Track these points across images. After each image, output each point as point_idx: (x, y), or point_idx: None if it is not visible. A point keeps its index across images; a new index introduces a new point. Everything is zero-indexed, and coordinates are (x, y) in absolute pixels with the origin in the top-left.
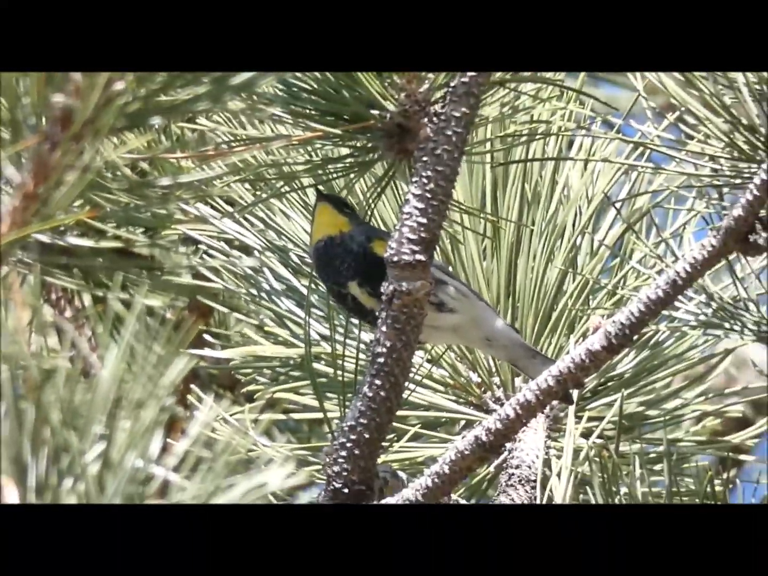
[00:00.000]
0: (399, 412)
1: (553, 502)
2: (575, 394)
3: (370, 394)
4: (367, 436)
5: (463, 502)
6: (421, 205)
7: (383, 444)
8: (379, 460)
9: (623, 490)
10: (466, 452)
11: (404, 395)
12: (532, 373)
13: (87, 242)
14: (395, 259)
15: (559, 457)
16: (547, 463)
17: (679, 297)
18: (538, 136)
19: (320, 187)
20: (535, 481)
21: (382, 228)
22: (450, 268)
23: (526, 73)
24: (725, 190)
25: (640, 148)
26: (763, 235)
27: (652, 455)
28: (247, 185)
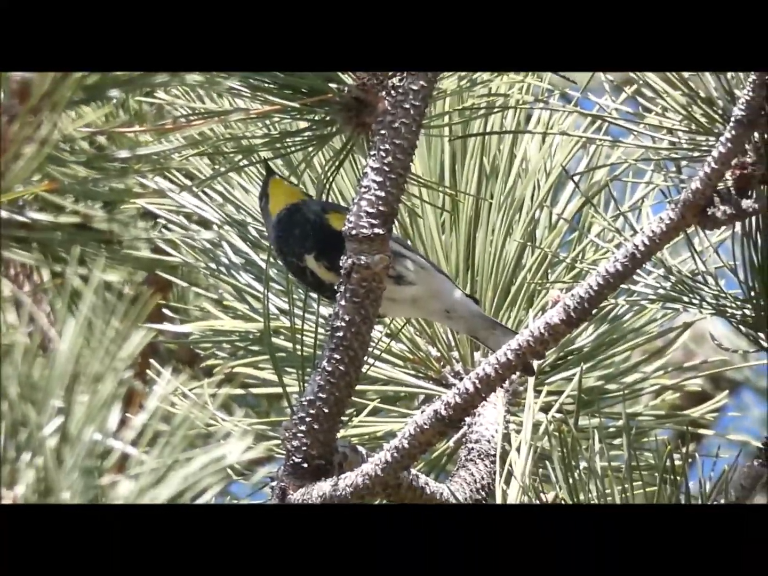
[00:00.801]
0: (358, 387)
1: (504, 503)
2: (536, 365)
3: (330, 369)
4: (326, 410)
5: (422, 476)
6: (379, 179)
7: (342, 418)
8: (339, 435)
9: (582, 464)
10: (426, 426)
11: (363, 369)
12: (493, 345)
13: (46, 217)
14: (353, 232)
15: (518, 432)
16: (506, 437)
17: (638, 271)
18: (496, 110)
19: (269, 163)
20: (494, 455)
21: (341, 202)
22: (408, 242)
23: None
24: (683, 163)
25: (598, 122)
26: (721, 208)
27: (611, 429)
28: (205, 159)
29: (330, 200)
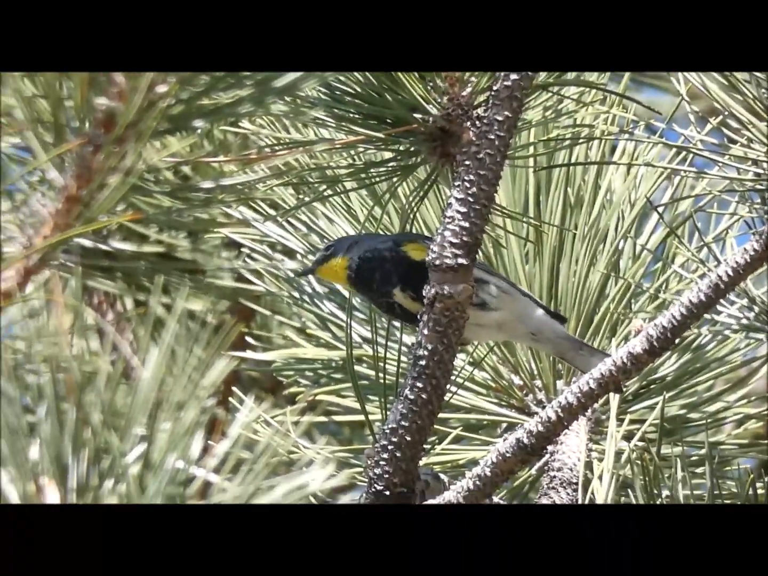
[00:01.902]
0: (440, 415)
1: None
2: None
3: (412, 397)
4: (408, 438)
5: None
6: (463, 209)
7: (425, 446)
8: (421, 463)
9: (665, 492)
10: (508, 455)
11: (446, 398)
12: (580, 365)
13: (129, 246)
14: (437, 262)
15: (600, 460)
16: (588, 465)
17: (721, 301)
18: (581, 140)
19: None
20: (576, 483)
21: (425, 233)
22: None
23: (570, 77)
24: None
25: (683, 153)
26: None
27: (693, 458)
28: (289, 189)
29: (414, 230)
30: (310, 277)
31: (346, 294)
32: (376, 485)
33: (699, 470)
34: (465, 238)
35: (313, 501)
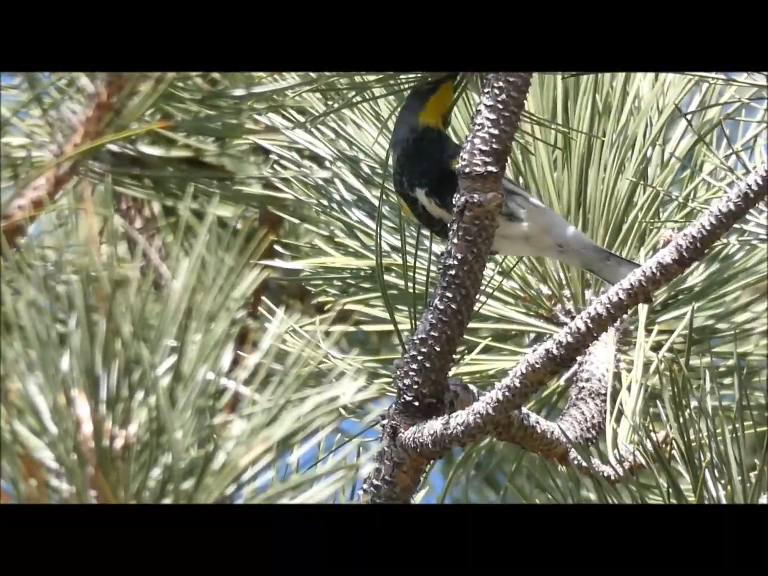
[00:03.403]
0: (469, 325)
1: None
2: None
3: (441, 307)
4: (437, 349)
5: (533, 415)
6: (492, 116)
7: (454, 357)
8: (450, 373)
9: (693, 403)
10: (537, 366)
11: (475, 308)
12: (608, 276)
13: (157, 151)
14: (467, 170)
15: (629, 371)
16: (617, 376)
17: (750, 210)
18: None
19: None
20: (605, 394)
21: (455, 139)
22: (521, 180)
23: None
24: None
25: None
26: None
27: (722, 369)
28: (318, 95)
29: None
30: (339, 184)
31: (376, 202)
32: (405, 396)
33: (727, 381)
34: (494, 146)
35: (344, 413)
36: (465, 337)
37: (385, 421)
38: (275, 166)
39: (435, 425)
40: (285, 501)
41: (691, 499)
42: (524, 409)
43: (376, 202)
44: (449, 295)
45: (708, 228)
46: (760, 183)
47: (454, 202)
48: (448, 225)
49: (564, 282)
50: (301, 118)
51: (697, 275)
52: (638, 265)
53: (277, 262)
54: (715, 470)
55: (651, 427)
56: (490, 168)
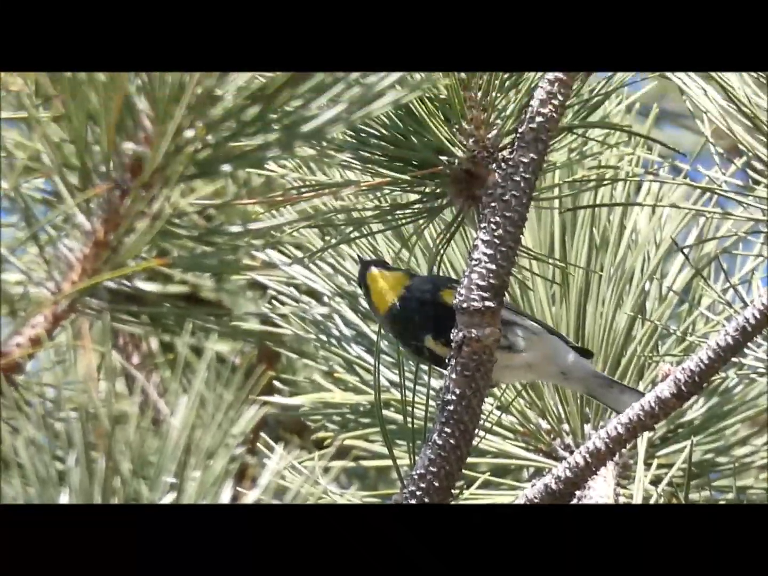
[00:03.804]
0: (468, 459)
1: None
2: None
3: (440, 442)
4: (436, 484)
5: None
6: (489, 252)
7: (453, 492)
8: None
9: None
10: (536, 500)
11: (474, 442)
12: (611, 403)
13: (154, 287)
14: (465, 305)
15: None
16: None
17: (749, 343)
18: (605, 182)
19: (358, 255)
20: None
21: (452, 275)
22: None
23: (594, 119)
24: None
25: (708, 193)
26: None
27: (721, 503)
28: (316, 231)
29: (441, 273)
30: (338, 320)
31: (374, 337)
32: None
33: None
34: (492, 281)
35: None
36: (464, 471)
37: None
38: (273, 301)
39: None
40: None
41: None
42: None
43: (374, 337)
44: (448, 430)
45: (706, 362)
46: (758, 317)
47: (452, 338)
48: (447, 359)
49: (563, 416)
50: (299, 254)
51: (696, 409)
52: (642, 394)
53: (276, 398)
54: None
55: None
56: (487, 303)
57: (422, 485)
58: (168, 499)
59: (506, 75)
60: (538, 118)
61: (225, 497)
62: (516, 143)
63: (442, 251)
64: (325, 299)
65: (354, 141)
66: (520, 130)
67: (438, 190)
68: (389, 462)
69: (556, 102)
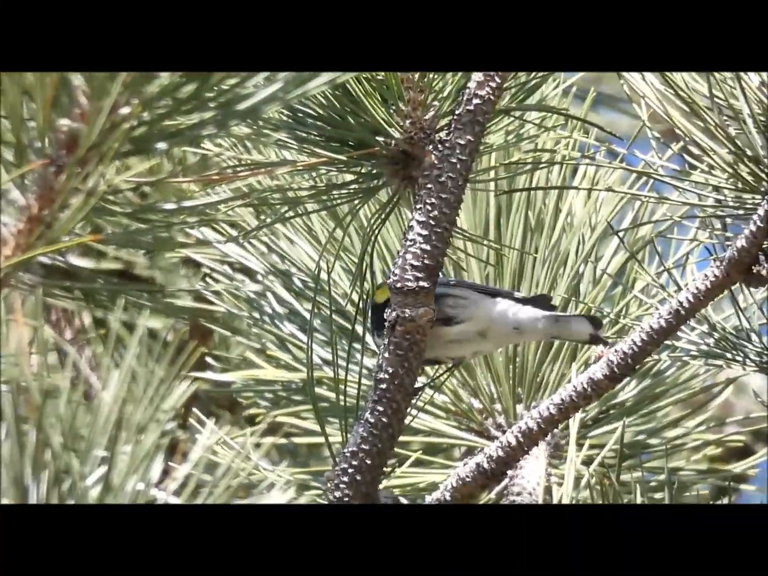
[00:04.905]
0: (400, 438)
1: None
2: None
3: (372, 420)
4: (368, 462)
5: None
6: (424, 232)
7: (384, 470)
8: (381, 486)
9: None
10: (468, 479)
11: (406, 421)
12: (573, 337)
13: (88, 263)
14: (398, 285)
15: (560, 485)
16: (548, 490)
17: (682, 327)
18: (542, 165)
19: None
20: None
21: (386, 255)
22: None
23: (531, 102)
24: (728, 220)
25: (644, 178)
26: (766, 266)
27: (652, 484)
28: (251, 210)
29: (375, 253)
30: (271, 298)
31: (307, 315)
32: None
33: (658, 496)
34: (426, 261)
35: None
36: (396, 450)
37: None
38: (206, 278)
39: None
40: None
41: None
42: None
43: (307, 316)
44: (380, 408)
45: (639, 344)
46: (691, 300)
47: (385, 317)
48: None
49: (495, 396)
50: (233, 232)
51: (628, 390)
52: (585, 317)
53: (207, 374)
54: None
55: None
56: (421, 283)
57: (354, 463)
58: (98, 473)
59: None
60: (476, 100)
61: (155, 472)
62: (453, 125)
63: (376, 231)
64: (259, 277)
65: (290, 120)
66: (457, 112)
67: (374, 171)
68: (321, 439)
69: (493, 84)
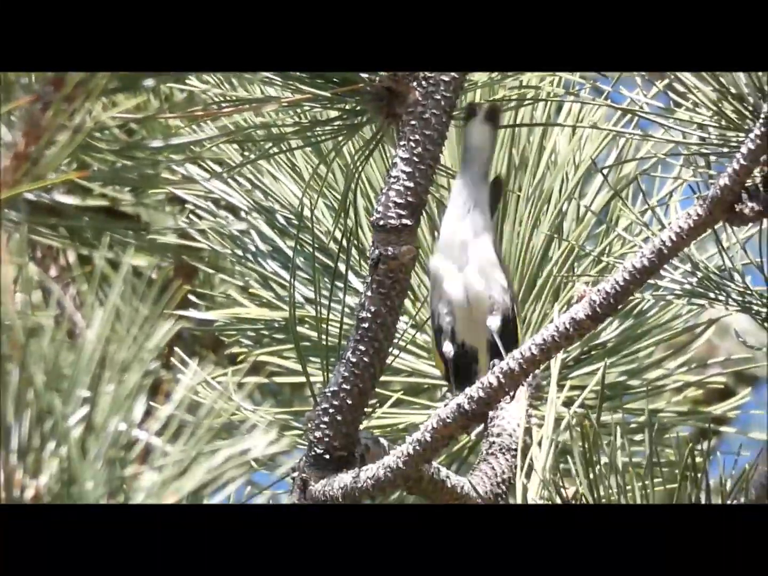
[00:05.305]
0: (382, 378)
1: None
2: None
3: (354, 360)
4: (349, 402)
5: (443, 469)
6: (408, 169)
7: (366, 410)
8: (361, 426)
9: (603, 459)
10: (448, 420)
11: (388, 361)
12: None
13: (73, 200)
14: (381, 223)
15: (540, 426)
16: (528, 431)
17: (665, 266)
18: (526, 102)
19: None
20: (515, 449)
21: (369, 192)
22: (436, 233)
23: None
24: (713, 158)
25: (629, 115)
26: (749, 205)
27: (633, 425)
28: (235, 146)
29: (359, 190)
30: (255, 235)
31: (290, 253)
32: (316, 448)
33: (638, 437)
34: (410, 199)
35: (255, 465)
36: (377, 390)
37: (295, 474)
38: (191, 216)
39: (345, 478)
40: None
41: None
42: (435, 464)
43: (290, 254)
44: (362, 348)
45: (622, 284)
46: (675, 239)
47: (368, 255)
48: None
49: None
50: (218, 169)
51: (610, 331)
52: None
53: (191, 313)
54: None
55: (561, 483)
56: (404, 221)
57: (335, 402)
58: (81, 412)
59: None
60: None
61: (138, 412)
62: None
63: (360, 168)
64: (243, 214)
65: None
66: None
67: (358, 107)
68: (303, 379)
69: None
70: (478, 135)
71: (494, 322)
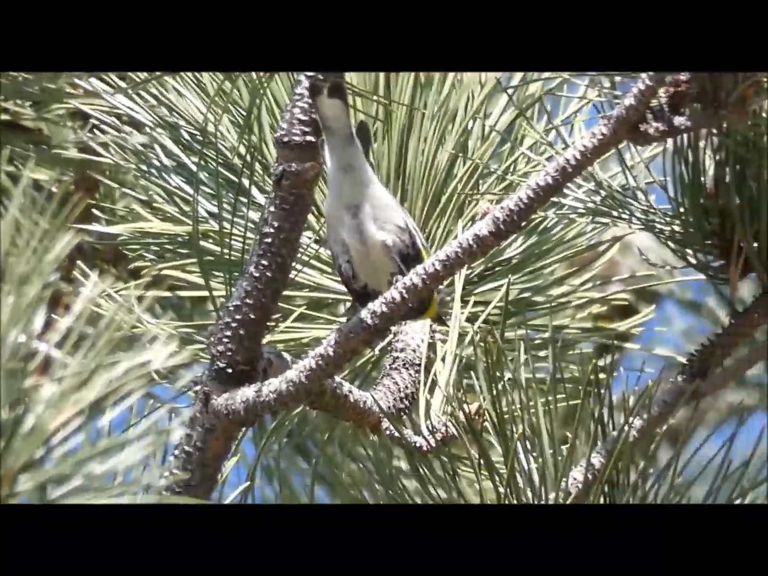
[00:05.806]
0: (285, 293)
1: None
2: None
3: (257, 275)
4: (252, 316)
5: (346, 384)
6: None
7: (268, 324)
8: (264, 341)
9: (507, 375)
10: (351, 335)
11: (290, 276)
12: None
13: None
14: (285, 139)
15: (444, 342)
16: (431, 347)
17: (569, 184)
18: None
19: None
20: (419, 364)
21: (275, 110)
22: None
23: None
24: (617, 78)
25: None
26: (654, 124)
27: (536, 341)
28: None
29: (263, 106)
30: (159, 150)
31: (194, 168)
32: (218, 363)
33: (542, 353)
34: (314, 115)
35: (156, 378)
36: (280, 304)
37: (197, 387)
38: (94, 130)
39: (248, 392)
40: (95, 465)
41: (502, 470)
42: (337, 378)
43: (194, 169)
44: (265, 262)
45: (525, 201)
46: (579, 158)
47: (272, 171)
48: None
49: None
50: (122, 84)
51: (514, 248)
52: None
53: (93, 226)
54: (527, 442)
55: (464, 399)
56: (308, 138)
57: (238, 317)
58: None
59: None
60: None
61: (38, 324)
62: None
63: (266, 85)
64: (147, 129)
65: None
66: None
67: None
68: (205, 293)
69: None
70: (329, 110)
71: (393, 266)
